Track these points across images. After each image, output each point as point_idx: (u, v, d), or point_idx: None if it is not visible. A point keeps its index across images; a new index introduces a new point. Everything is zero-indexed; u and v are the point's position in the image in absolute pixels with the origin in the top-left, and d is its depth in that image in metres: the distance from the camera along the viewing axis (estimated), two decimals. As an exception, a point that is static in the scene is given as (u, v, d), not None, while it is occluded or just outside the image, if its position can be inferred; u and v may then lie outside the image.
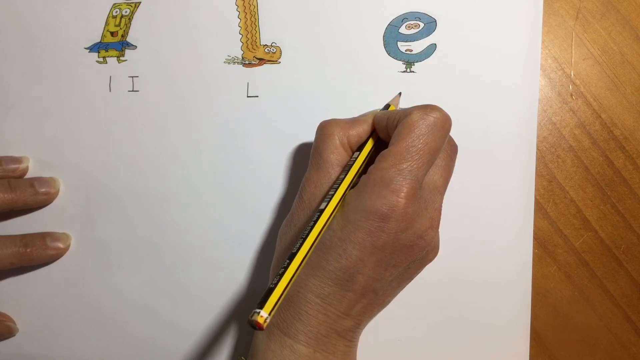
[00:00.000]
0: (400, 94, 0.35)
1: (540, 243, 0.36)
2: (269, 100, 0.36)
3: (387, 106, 0.33)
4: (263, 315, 0.23)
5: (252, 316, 0.23)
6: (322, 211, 0.27)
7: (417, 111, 0.27)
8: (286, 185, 0.36)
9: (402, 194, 0.26)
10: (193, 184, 0.36)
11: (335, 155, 0.30)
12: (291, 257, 0.25)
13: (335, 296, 0.27)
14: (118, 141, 0.37)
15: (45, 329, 0.37)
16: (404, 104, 0.35)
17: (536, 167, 0.35)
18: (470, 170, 0.34)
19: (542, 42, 0.36)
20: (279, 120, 0.36)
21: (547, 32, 0.37)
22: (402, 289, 0.30)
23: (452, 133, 0.35)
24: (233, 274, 0.36)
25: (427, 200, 0.28)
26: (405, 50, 0.35)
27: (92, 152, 0.37)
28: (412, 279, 0.30)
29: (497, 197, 0.34)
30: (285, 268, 0.25)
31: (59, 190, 0.37)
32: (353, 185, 0.29)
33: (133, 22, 0.37)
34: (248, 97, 0.36)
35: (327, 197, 0.28)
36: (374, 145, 0.30)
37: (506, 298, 0.34)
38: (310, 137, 0.36)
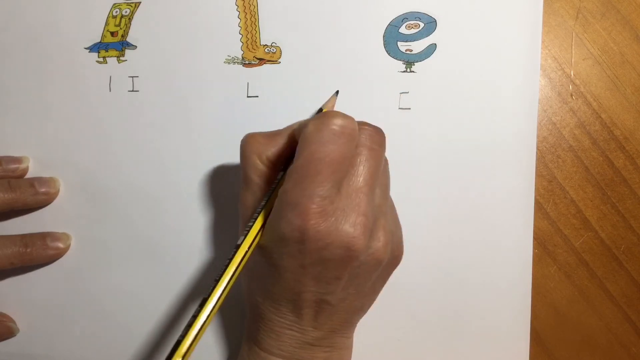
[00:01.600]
0: (337, 92, 0.33)
1: (540, 243, 0.36)
2: (269, 100, 0.36)
3: (320, 110, 0.31)
4: None
5: None
6: (238, 246, 0.26)
7: (311, 122, 0.26)
8: (286, 185, 0.36)
9: (308, 215, 0.24)
10: (193, 183, 0.36)
11: (258, 175, 0.28)
12: (202, 304, 0.24)
13: (293, 314, 0.27)
14: (118, 141, 0.37)
15: (45, 329, 0.37)
16: (405, 104, 0.35)
17: (536, 167, 0.35)
18: (470, 171, 0.34)
19: (542, 42, 0.36)
20: (279, 121, 0.36)
21: (547, 32, 0.37)
22: (375, 291, 0.29)
23: (452, 133, 0.35)
24: (233, 274, 0.36)
25: (346, 208, 0.25)
26: (405, 50, 0.35)
27: (92, 152, 0.37)
28: (380, 280, 0.29)
29: (497, 197, 0.34)
30: (195, 317, 0.23)
31: (59, 190, 0.37)
32: None
33: (133, 22, 0.37)
34: (248, 97, 0.36)
35: (246, 229, 0.27)
36: None
37: (506, 298, 0.34)
38: (310, 137, 0.36)
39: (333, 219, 0.25)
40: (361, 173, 0.26)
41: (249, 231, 0.26)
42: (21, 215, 0.37)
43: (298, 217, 0.24)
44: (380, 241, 0.27)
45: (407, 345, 0.35)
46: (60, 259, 0.36)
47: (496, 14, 0.35)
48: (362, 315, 0.31)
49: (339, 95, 0.36)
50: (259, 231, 0.27)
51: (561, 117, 0.36)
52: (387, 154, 0.29)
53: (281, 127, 0.36)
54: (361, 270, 0.27)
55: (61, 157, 0.37)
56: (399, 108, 0.35)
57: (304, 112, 0.36)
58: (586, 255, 0.36)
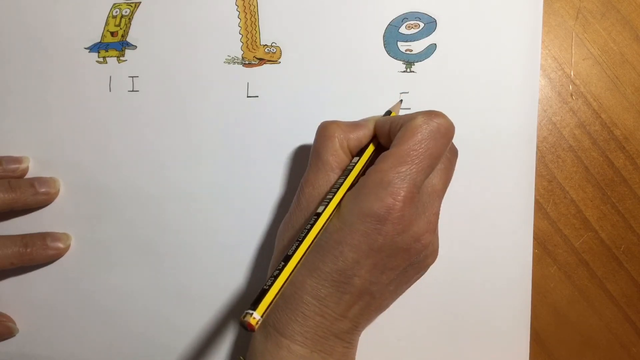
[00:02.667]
0: (401, 100, 0.35)
1: (540, 243, 0.36)
2: (269, 100, 0.36)
3: (389, 112, 0.32)
4: (255, 317, 0.23)
5: (244, 317, 0.23)
6: (319, 215, 0.27)
7: (421, 116, 0.27)
8: (286, 185, 0.36)
9: (400, 197, 0.26)
10: (193, 184, 0.36)
11: (335, 158, 0.30)
12: (286, 259, 0.25)
13: (332, 298, 0.27)
14: (118, 141, 0.37)
15: (45, 329, 0.37)
16: (404, 104, 0.35)
17: (536, 167, 0.35)
18: (471, 171, 0.34)
19: (542, 42, 0.36)
20: (279, 121, 0.36)
21: (547, 32, 0.37)
22: (401, 293, 0.30)
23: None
24: (232, 274, 0.36)
25: (425, 203, 0.28)
26: (405, 50, 0.35)
27: (92, 152, 0.37)
28: (411, 283, 0.30)
29: (497, 198, 0.34)
30: (280, 270, 0.25)
31: (59, 190, 0.37)
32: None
33: (133, 22, 0.37)
34: (248, 97, 0.36)
35: (325, 200, 0.28)
36: (374, 151, 0.30)
37: (506, 298, 0.34)
38: (310, 137, 0.35)
39: (415, 209, 0.27)
40: (441, 176, 0.29)
41: (329, 202, 0.27)
42: (21, 215, 0.37)
43: (390, 196, 0.26)
44: (435, 246, 0.29)
45: (407, 345, 0.35)
46: (60, 259, 0.36)
47: (496, 14, 0.35)
48: (373, 319, 0.31)
49: (339, 95, 0.36)
50: (337, 204, 0.28)
51: (561, 117, 0.36)
52: None
53: (281, 127, 0.36)
54: (413, 269, 0.29)
55: (61, 157, 0.37)
56: (400, 108, 0.35)
57: (304, 112, 0.36)
58: (586, 255, 0.36)
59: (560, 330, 0.36)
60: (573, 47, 0.37)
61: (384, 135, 0.30)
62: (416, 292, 0.34)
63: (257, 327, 0.22)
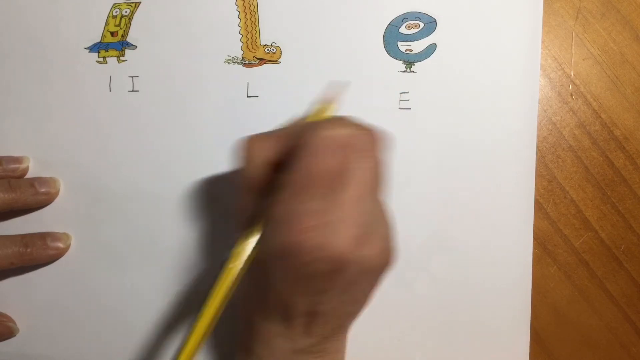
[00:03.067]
0: (341, 85, 0.32)
1: (540, 243, 0.36)
2: (269, 100, 0.36)
3: (321, 107, 0.29)
4: None
5: None
6: (227, 267, 0.26)
7: (312, 129, 0.25)
8: (286, 185, 0.36)
9: (293, 232, 0.24)
10: (193, 184, 0.36)
11: (257, 180, 0.27)
12: (198, 319, 0.25)
13: (285, 324, 0.27)
14: (118, 141, 0.37)
15: (45, 329, 0.37)
16: (404, 104, 0.35)
17: (536, 167, 0.35)
18: (470, 170, 0.34)
19: (542, 42, 0.36)
20: (279, 121, 0.36)
21: (547, 32, 0.37)
22: (366, 297, 0.28)
23: (452, 133, 0.35)
24: (233, 274, 0.36)
25: (339, 219, 0.24)
26: (405, 50, 0.35)
27: (92, 152, 0.37)
28: (370, 287, 0.28)
29: (497, 197, 0.34)
30: (192, 331, 0.25)
31: (59, 190, 0.37)
32: None
33: (133, 22, 0.37)
34: (248, 97, 0.36)
35: (239, 237, 0.26)
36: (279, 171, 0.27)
37: (506, 298, 0.34)
38: (310, 137, 0.36)
39: (322, 233, 0.24)
40: (356, 181, 0.25)
41: (238, 253, 0.26)
42: (21, 215, 0.37)
43: (283, 234, 0.24)
44: (373, 250, 0.26)
45: (407, 345, 0.35)
46: (61, 259, 0.36)
47: (496, 14, 0.35)
48: (355, 319, 0.30)
49: (339, 95, 0.36)
50: (249, 252, 0.26)
51: (561, 117, 0.36)
52: (387, 154, 0.29)
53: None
54: (353, 280, 0.26)
55: (61, 157, 0.37)
56: (399, 108, 0.35)
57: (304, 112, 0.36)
58: (586, 255, 0.36)
59: (560, 330, 0.36)
60: (573, 47, 0.37)
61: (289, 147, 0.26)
62: (416, 292, 0.34)
63: None
